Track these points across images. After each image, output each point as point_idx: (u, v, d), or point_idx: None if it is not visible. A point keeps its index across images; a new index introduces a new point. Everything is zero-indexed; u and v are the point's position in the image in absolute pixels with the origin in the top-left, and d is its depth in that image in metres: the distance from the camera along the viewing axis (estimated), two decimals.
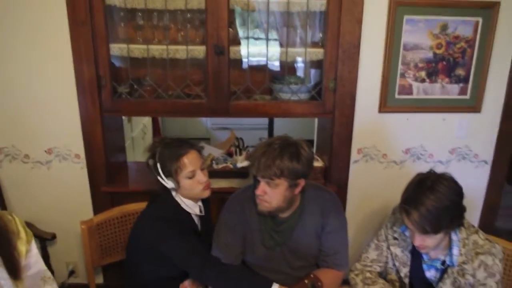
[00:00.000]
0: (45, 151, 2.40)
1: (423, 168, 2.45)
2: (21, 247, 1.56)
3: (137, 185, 2.51)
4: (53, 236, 2.40)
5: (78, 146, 2.37)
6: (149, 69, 2.28)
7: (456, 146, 2.48)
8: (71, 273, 2.64)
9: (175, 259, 1.70)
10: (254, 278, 1.61)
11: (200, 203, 1.88)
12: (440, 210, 1.44)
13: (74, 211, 2.48)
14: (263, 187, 1.62)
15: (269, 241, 1.78)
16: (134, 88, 2.32)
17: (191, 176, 1.75)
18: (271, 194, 1.62)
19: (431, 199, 1.44)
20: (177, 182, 1.76)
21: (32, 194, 2.48)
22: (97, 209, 2.46)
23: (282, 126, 4.75)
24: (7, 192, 2.46)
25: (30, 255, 1.60)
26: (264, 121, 4.86)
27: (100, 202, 2.47)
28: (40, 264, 1.63)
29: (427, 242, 1.52)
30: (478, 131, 2.45)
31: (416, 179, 1.55)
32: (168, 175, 1.76)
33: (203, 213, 1.88)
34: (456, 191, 1.50)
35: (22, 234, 1.57)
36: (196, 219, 1.88)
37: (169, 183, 1.77)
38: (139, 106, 2.34)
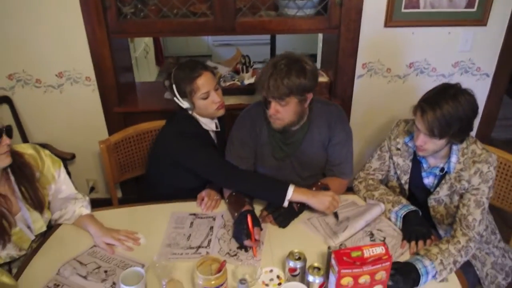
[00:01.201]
0: (56, 75, 2.44)
1: (426, 82, 2.54)
2: (48, 176, 1.68)
3: (147, 104, 2.60)
4: (73, 156, 2.53)
5: (88, 68, 2.41)
6: None
7: (460, 59, 2.51)
8: (92, 189, 2.83)
9: (200, 170, 1.82)
10: (274, 180, 1.75)
11: (216, 120, 1.96)
12: (453, 118, 1.51)
13: (90, 132, 2.59)
14: (275, 107, 1.70)
15: (279, 152, 1.89)
16: (139, 8, 2.30)
17: (206, 97, 1.82)
18: (283, 112, 1.71)
19: (449, 105, 1.51)
20: (192, 103, 1.84)
21: (47, 117, 2.57)
22: (111, 129, 2.56)
23: (285, 42, 4.71)
24: (23, 117, 2.55)
25: (60, 180, 1.74)
26: (267, 36, 4.80)
27: (113, 122, 2.57)
28: (71, 188, 1.77)
29: (428, 145, 1.61)
30: (483, 45, 2.46)
31: (442, 85, 1.61)
32: (183, 96, 1.83)
33: (219, 129, 1.98)
34: (473, 108, 1.56)
35: (48, 163, 1.69)
36: (212, 135, 1.98)
37: (184, 104, 1.85)
38: (145, 26, 2.34)
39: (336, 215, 1.74)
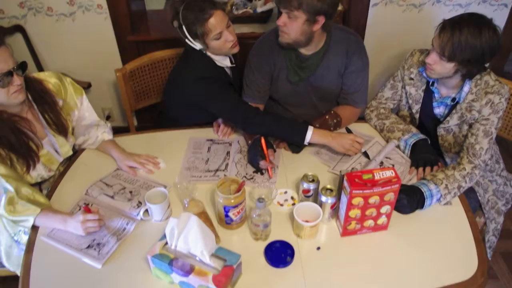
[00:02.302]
0: (67, 3, 2.41)
1: (442, 11, 2.49)
2: (71, 104, 1.74)
3: (159, 33, 2.59)
4: (89, 85, 2.57)
5: None
6: None
7: None
8: (108, 117, 2.89)
9: (220, 115, 1.84)
10: (293, 122, 1.75)
11: (230, 55, 1.93)
12: (467, 46, 1.51)
13: (103, 61, 2.60)
14: (283, 18, 1.70)
15: (294, 76, 1.92)
16: None
17: (219, 38, 1.77)
18: (290, 26, 1.71)
19: (469, 33, 1.50)
20: (205, 44, 1.79)
21: (61, 46, 2.58)
22: (124, 58, 2.58)
23: None
24: (37, 46, 2.56)
25: (82, 108, 1.80)
26: None
27: (126, 51, 2.58)
28: (93, 115, 1.83)
29: (436, 66, 1.62)
30: None
31: (473, 13, 1.58)
32: (195, 37, 1.78)
33: (234, 64, 1.96)
34: (492, 46, 1.53)
35: (71, 90, 1.75)
36: (228, 71, 1.97)
37: (197, 45, 1.81)
38: None
39: (366, 154, 1.77)
